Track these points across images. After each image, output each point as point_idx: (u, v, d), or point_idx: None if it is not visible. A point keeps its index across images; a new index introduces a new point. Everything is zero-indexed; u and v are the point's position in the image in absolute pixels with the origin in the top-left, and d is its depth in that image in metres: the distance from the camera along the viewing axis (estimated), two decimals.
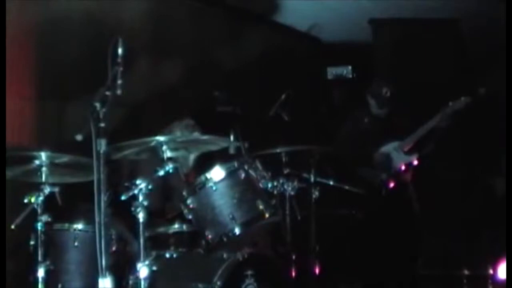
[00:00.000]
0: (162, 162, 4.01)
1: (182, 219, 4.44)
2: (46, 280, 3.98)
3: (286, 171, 5.15)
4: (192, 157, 5.08)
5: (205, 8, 6.72)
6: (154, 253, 4.16)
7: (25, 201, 4.01)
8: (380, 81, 6.43)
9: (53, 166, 4.06)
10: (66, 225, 4.19)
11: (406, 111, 6.38)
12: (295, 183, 5.01)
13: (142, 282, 3.80)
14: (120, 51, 3.58)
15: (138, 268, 3.80)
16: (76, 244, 4.14)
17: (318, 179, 5.36)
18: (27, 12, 5.15)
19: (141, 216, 3.82)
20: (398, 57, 7.44)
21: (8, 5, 4.68)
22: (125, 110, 5.49)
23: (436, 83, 7.07)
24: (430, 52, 7.33)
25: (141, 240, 3.82)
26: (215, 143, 4.41)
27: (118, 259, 4.08)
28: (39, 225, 3.99)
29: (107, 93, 3.51)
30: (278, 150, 5.18)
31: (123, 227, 4.30)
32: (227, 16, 6.98)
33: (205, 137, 4.56)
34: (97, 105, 3.48)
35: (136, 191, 3.85)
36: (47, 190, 4.04)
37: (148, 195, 3.86)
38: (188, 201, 4.31)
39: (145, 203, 3.84)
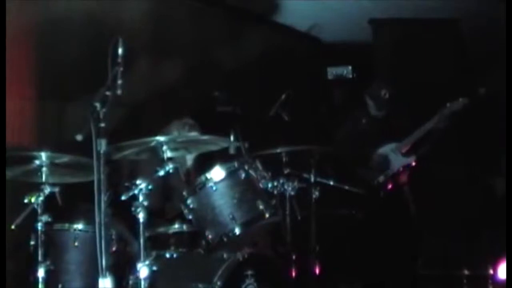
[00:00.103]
0: (162, 162, 4.01)
1: (182, 219, 4.44)
2: (46, 280, 3.98)
3: (286, 171, 5.15)
4: (189, 157, 5.08)
5: (205, 8, 6.72)
6: (154, 253, 4.17)
7: (25, 201, 4.01)
8: (379, 83, 6.44)
9: (53, 166, 4.06)
10: (66, 225, 4.19)
11: (406, 111, 6.38)
12: (295, 183, 5.01)
13: (142, 282, 3.80)
14: (120, 51, 3.58)
15: (138, 268, 3.81)
16: (76, 244, 4.14)
17: (318, 179, 5.36)
18: (27, 12, 5.15)
19: (141, 216, 3.82)
20: (398, 57, 7.43)
21: (8, 5, 4.68)
22: (125, 110, 5.49)
23: (436, 83, 7.07)
24: (430, 52, 7.33)
25: (141, 240, 3.82)
26: (215, 143, 4.41)
27: (118, 259, 4.07)
28: (39, 225, 3.99)
29: (107, 93, 3.51)
30: (278, 150, 5.18)
31: (123, 227, 4.29)
32: (227, 16, 6.98)
33: (205, 137, 4.55)
34: (97, 105, 3.48)
35: (136, 191, 3.85)
36: (47, 190, 4.04)
37: (148, 195, 3.86)
38: (188, 201, 4.32)
39: (145, 203, 3.84)
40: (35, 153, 4.01)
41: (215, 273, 4.07)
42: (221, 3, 6.91)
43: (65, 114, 5.32)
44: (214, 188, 4.27)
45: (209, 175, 4.29)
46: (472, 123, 6.67)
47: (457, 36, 7.45)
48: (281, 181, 4.89)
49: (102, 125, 3.48)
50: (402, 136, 6.27)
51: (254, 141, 4.89)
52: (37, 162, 4.03)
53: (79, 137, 3.46)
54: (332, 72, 7.73)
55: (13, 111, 4.88)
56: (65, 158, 4.05)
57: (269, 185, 4.49)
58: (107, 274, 3.41)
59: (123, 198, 3.86)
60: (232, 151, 4.70)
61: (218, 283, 4.03)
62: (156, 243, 4.36)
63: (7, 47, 4.74)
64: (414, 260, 6.25)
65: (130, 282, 4.08)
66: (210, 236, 4.25)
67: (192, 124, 5.08)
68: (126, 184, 3.90)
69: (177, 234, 4.47)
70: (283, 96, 5.58)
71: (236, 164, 4.35)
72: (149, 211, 3.85)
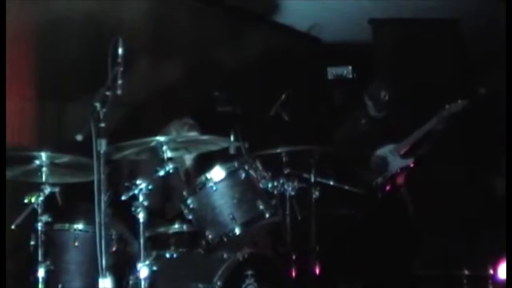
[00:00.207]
0: (162, 162, 4.01)
1: (182, 219, 4.44)
2: (46, 280, 3.98)
3: (286, 171, 5.15)
4: (188, 157, 5.08)
5: (205, 8, 6.72)
6: (154, 253, 4.16)
7: (25, 201, 4.00)
8: (379, 84, 6.42)
9: (53, 166, 4.06)
10: (66, 225, 4.19)
11: (406, 111, 6.38)
12: (295, 183, 5.01)
13: (142, 282, 3.80)
14: (120, 51, 3.58)
15: (138, 268, 3.81)
16: (76, 244, 4.14)
17: (318, 179, 5.36)
18: (27, 12, 5.15)
19: (141, 216, 3.82)
20: (398, 57, 7.43)
21: (8, 5, 4.68)
22: (125, 110, 5.49)
23: (436, 83, 7.07)
24: (430, 52, 7.33)
25: (141, 240, 3.82)
26: (215, 143, 4.41)
27: (118, 259, 4.07)
28: (39, 225, 3.99)
29: (107, 93, 3.51)
30: (278, 150, 5.18)
31: (123, 227, 4.30)
32: (227, 16, 6.98)
33: (205, 137, 4.55)
34: (97, 105, 3.48)
35: (136, 191, 3.85)
36: (47, 190, 4.03)
37: (148, 195, 3.86)
38: (188, 201, 4.32)
39: (145, 203, 3.84)
40: (35, 153, 4.01)
41: (215, 273, 4.07)
42: (221, 3, 6.91)
43: (65, 114, 5.32)
44: (214, 188, 4.27)
45: (209, 175, 4.29)
46: (472, 123, 6.67)
47: (457, 36, 7.45)
48: (281, 181, 4.89)
49: (102, 125, 3.48)
50: (402, 137, 6.26)
51: (254, 141, 4.89)
52: (37, 162, 4.02)
53: (79, 137, 3.46)
54: (332, 72, 7.73)
55: (13, 111, 4.88)
56: (65, 158, 4.05)
57: (269, 185, 4.49)
58: (107, 274, 3.41)
59: (123, 198, 3.86)
60: (232, 151, 4.70)
61: (218, 283, 4.03)
62: (156, 243, 4.36)
63: (7, 47, 4.74)
64: (413, 260, 6.26)
65: (130, 282, 4.08)
66: (210, 236, 4.26)
67: (192, 124, 5.08)
68: (126, 184, 3.90)
69: (177, 234, 4.47)
70: (283, 96, 5.58)
71: (236, 164, 4.35)
72: (149, 211, 3.85)
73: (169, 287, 4.20)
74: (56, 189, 4.09)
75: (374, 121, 6.38)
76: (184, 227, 4.46)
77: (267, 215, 4.30)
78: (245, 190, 4.30)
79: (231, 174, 4.31)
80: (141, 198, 3.84)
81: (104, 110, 3.48)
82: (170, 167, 3.99)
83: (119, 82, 3.53)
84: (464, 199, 6.67)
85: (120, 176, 4.57)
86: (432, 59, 7.31)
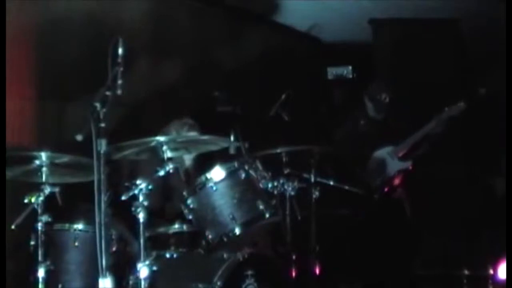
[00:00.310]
0: (162, 162, 4.01)
1: (182, 219, 4.44)
2: (46, 280, 3.98)
3: (286, 171, 5.15)
4: (187, 157, 5.08)
5: (205, 8, 6.72)
6: (154, 253, 4.16)
7: (25, 201, 4.01)
8: (380, 85, 6.41)
9: (53, 166, 4.06)
10: (66, 225, 4.19)
11: (405, 112, 6.37)
12: (295, 183, 5.00)
13: (142, 282, 3.80)
14: (120, 51, 3.58)
15: (138, 268, 3.81)
16: (76, 244, 4.14)
17: (318, 179, 5.35)
18: (27, 12, 5.15)
19: (141, 216, 3.82)
20: (398, 57, 7.43)
21: (8, 5, 4.68)
22: (125, 110, 5.48)
23: (436, 83, 7.07)
24: (430, 52, 7.33)
25: (141, 240, 3.82)
26: (215, 143, 4.41)
27: (118, 259, 4.07)
28: (39, 225, 3.99)
29: (107, 93, 3.51)
30: (278, 150, 5.18)
31: (123, 227, 4.29)
32: (227, 16, 6.98)
33: (205, 137, 4.55)
34: (97, 105, 3.48)
35: (136, 191, 3.85)
36: (47, 190, 4.04)
37: (148, 195, 3.86)
38: (188, 201, 4.32)
39: (145, 203, 3.84)
40: (35, 153, 4.01)
41: (215, 273, 4.07)
42: (221, 3, 6.91)
43: (65, 114, 5.32)
44: (214, 188, 4.27)
45: (209, 175, 4.29)
46: (472, 123, 6.67)
47: (457, 36, 7.45)
48: (281, 181, 4.89)
49: (102, 125, 3.48)
50: (401, 139, 6.26)
51: (254, 141, 4.89)
52: (37, 162, 4.03)
53: (79, 137, 3.46)
54: (332, 72, 7.73)
55: (13, 111, 4.88)
56: (65, 158, 4.05)
57: (269, 185, 4.49)
58: (107, 274, 3.41)
59: (123, 198, 3.86)
60: (232, 151, 4.70)
61: (218, 283, 4.03)
62: (156, 243, 4.36)
63: (7, 47, 4.74)
64: (413, 260, 6.26)
65: (130, 282, 4.08)
66: (210, 236, 4.25)
67: (192, 124, 5.07)
68: (126, 184, 3.90)
69: (177, 234, 4.47)
70: (283, 96, 5.58)
71: (236, 164, 4.35)
72: (149, 211, 3.85)
73: (169, 287, 4.20)
74: (56, 189, 4.09)
75: (373, 122, 6.38)
76: (184, 227, 4.46)
77: (267, 215, 4.30)
78: (245, 190, 4.30)
79: (231, 174, 4.31)
80: (141, 198, 3.84)
81: (104, 110, 3.48)
82: (170, 167, 3.99)
83: (119, 82, 3.53)
84: (464, 199, 6.68)
85: (120, 176, 4.57)
86: (432, 59, 7.31)
